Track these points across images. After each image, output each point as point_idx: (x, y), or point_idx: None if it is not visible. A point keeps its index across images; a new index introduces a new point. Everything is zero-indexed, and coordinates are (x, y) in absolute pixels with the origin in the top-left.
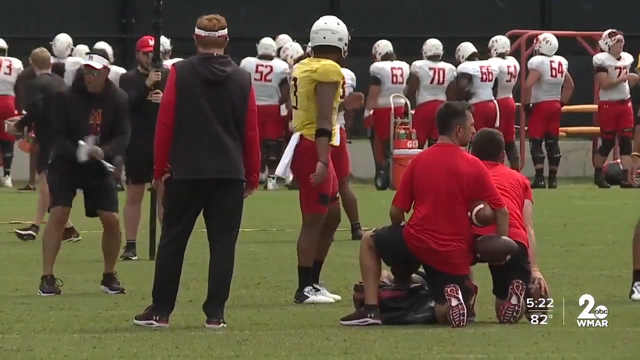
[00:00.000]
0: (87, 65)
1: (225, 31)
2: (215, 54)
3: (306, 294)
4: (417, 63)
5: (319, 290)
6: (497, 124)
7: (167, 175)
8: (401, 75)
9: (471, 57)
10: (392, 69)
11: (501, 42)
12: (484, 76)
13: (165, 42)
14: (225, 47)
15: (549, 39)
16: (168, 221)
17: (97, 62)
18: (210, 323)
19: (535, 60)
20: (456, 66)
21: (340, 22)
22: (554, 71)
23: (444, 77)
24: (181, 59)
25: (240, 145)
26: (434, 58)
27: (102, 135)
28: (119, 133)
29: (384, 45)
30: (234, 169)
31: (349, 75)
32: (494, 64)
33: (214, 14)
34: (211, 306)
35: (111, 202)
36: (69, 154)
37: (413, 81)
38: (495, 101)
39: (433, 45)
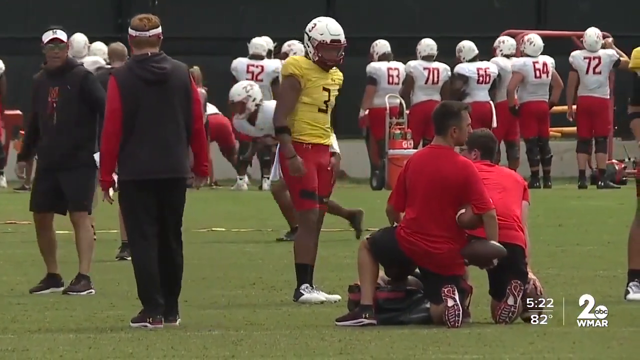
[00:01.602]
0: (54, 39)
1: (157, 30)
2: (149, 54)
3: (301, 291)
4: (411, 63)
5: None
6: (494, 124)
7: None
8: (397, 75)
9: (473, 59)
10: (388, 69)
11: (508, 43)
12: (481, 78)
13: None
14: (158, 46)
15: (532, 39)
16: (128, 224)
17: (63, 35)
18: (168, 320)
19: (517, 63)
20: (455, 65)
21: (314, 23)
22: (538, 72)
23: (438, 77)
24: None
25: (186, 142)
26: (428, 58)
27: (59, 112)
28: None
29: (382, 46)
30: (178, 168)
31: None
32: (493, 65)
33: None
34: (171, 303)
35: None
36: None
37: (408, 81)
38: (491, 102)
39: (427, 45)
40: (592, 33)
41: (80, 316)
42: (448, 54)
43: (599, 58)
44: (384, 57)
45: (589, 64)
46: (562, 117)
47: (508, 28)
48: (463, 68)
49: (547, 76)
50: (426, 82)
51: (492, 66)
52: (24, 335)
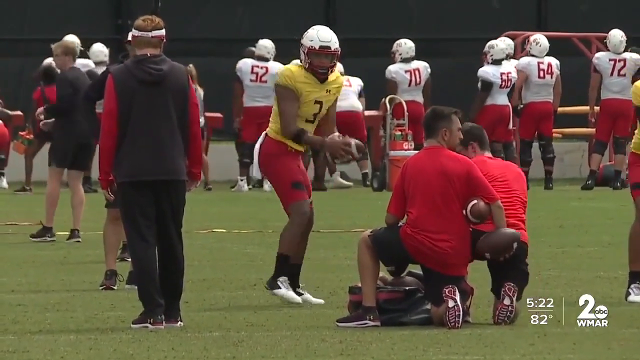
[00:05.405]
0: None
1: (160, 32)
2: (149, 55)
3: (279, 283)
4: (392, 68)
5: (302, 294)
6: (510, 126)
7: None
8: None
9: (497, 62)
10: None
11: (497, 48)
12: (503, 83)
13: None
14: (160, 48)
15: (539, 40)
16: (127, 225)
17: None
18: (169, 322)
19: (522, 62)
20: (479, 66)
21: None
22: (542, 72)
23: (420, 77)
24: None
25: (182, 143)
26: (408, 60)
27: None
28: None
29: None
30: (173, 170)
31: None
32: (513, 69)
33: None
34: (173, 305)
35: None
36: None
37: (390, 86)
38: (509, 106)
39: (410, 47)
40: (616, 34)
41: (80, 317)
42: (446, 55)
43: (624, 60)
44: None
45: (614, 66)
46: (563, 118)
47: (507, 30)
48: (487, 72)
49: (552, 77)
50: (409, 85)
51: (512, 70)
52: (24, 337)
